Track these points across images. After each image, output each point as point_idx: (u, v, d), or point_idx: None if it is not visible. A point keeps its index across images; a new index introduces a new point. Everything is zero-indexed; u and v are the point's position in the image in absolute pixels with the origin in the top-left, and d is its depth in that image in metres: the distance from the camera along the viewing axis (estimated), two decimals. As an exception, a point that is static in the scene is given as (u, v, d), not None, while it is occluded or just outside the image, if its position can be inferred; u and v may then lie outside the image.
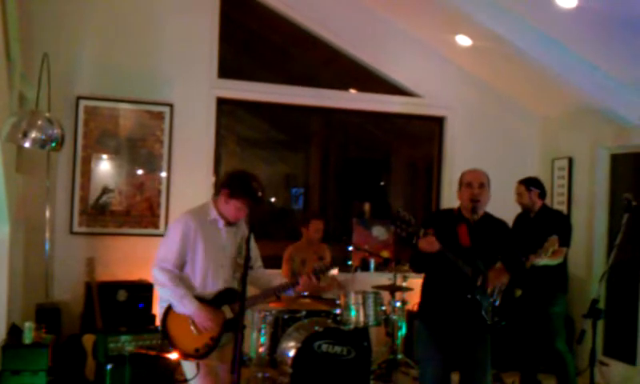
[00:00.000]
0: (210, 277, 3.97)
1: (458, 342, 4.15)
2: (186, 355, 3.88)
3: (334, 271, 4.37)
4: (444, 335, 4.15)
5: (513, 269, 4.20)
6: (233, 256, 4.05)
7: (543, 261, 5.34)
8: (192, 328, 3.87)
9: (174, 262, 3.91)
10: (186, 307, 3.85)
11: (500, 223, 4.32)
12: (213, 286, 3.97)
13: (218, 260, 4.00)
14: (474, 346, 4.17)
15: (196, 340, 3.88)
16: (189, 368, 3.94)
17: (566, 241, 5.57)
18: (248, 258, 3.66)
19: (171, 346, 3.88)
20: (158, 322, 5.78)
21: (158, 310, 4.04)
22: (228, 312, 3.94)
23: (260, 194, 3.97)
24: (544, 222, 5.69)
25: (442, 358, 4.14)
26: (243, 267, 3.66)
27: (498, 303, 4.13)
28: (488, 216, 4.27)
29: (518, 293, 5.47)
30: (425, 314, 4.31)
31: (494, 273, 4.09)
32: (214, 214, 4.03)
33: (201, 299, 3.89)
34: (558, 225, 5.62)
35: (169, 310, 3.90)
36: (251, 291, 4.17)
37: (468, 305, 4.05)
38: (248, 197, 3.93)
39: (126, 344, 5.04)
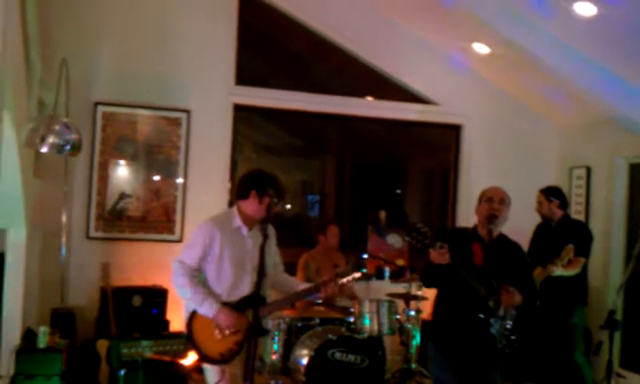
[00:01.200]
0: (236, 284, 3.97)
1: (471, 363, 4.10)
2: (211, 360, 3.89)
3: (357, 274, 4.33)
4: (457, 356, 4.10)
5: (526, 293, 4.14)
6: (257, 262, 4.03)
7: (559, 271, 5.30)
8: (216, 332, 3.87)
9: (193, 264, 3.92)
10: (207, 309, 3.85)
11: (515, 246, 4.26)
12: (239, 294, 3.96)
13: (243, 267, 4.00)
14: (486, 367, 4.11)
15: (220, 344, 3.88)
16: (211, 374, 3.95)
17: (585, 251, 5.52)
18: (263, 263, 3.64)
19: (196, 351, 3.91)
20: (173, 328, 5.84)
21: (183, 314, 4.03)
22: (252, 317, 3.91)
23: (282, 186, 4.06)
24: (565, 232, 5.64)
25: (456, 379, 4.10)
26: (257, 273, 3.65)
27: (509, 325, 4.06)
28: (503, 237, 4.21)
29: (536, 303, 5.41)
30: (437, 333, 4.26)
31: (507, 294, 4.02)
32: (238, 221, 4.03)
33: (225, 303, 3.90)
34: (579, 235, 5.58)
35: (194, 314, 3.91)
36: (274, 296, 4.19)
37: (480, 325, 4.01)
38: (277, 190, 3.96)
39: (140, 349, 5.05)
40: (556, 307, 5.52)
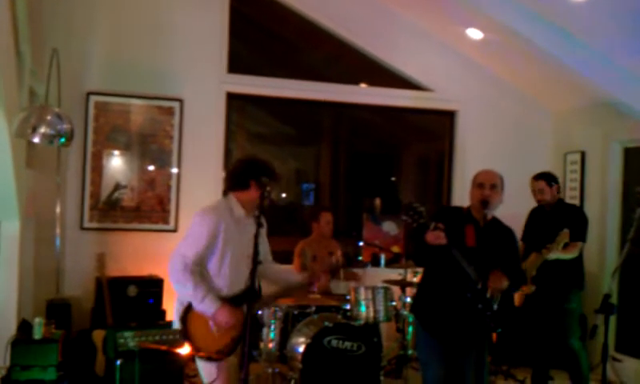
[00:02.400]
0: (235, 278, 3.88)
1: (457, 342, 4.12)
2: (208, 357, 3.78)
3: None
4: (443, 336, 4.12)
5: (513, 278, 4.16)
6: (250, 252, 3.95)
7: (555, 255, 5.31)
8: (213, 328, 3.78)
9: (196, 257, 3.77)
10: (208, 307, 3.73)
11: (507, 230, 4.27)
12: (238, 285, 3.87)
13: (242, 259, 3.88)
14: (473, 347, 4.13)
15: (218, 341, 3.80)
16: (206, 370, 3.85)
17: (581, 235, 5.52)
18: (256, 252, 3.58)
19: (192, 346, 3.77)
20: (169, 318, 5.83)
21: (175, 307, 3.93)
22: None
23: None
24: (560, 216, 5.63)
25: (444, 359, 4.11)
26: (252, 262, 3.58)
27: (495, 307, 4.07)
28: (496, 221, 4.23)
29: (532, 288, 5.44)
30: (423, 312, 4.27)
31: (494, 276, 4.02)
32: (240, 210, 3.94)
33: (222, 299, 3.80)
34: (575, 219, 5.58)
35: (189, 309, 3.78)
36: (265, 286, 4.16)
37: (467, 305, 4.02)
38: (273, 176, 3.89)
39: (136, 339, 5.03)
40: (552, 292, 5.52)
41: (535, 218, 5.88)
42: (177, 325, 3.92)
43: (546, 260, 5.35)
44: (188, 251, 3.77)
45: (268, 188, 3.80)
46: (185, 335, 3.79)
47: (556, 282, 5.49)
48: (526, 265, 5.39)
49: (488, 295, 4.03)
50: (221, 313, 3.74)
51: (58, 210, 6.12)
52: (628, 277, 6.41)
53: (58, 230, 6.13)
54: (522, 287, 5.00)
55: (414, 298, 4.41)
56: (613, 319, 6.41)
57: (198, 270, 3.79)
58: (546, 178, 5.73)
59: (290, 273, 4.31)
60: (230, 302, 3.83)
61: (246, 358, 3.43)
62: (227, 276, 3.87)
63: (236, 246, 3.88)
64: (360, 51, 7.28)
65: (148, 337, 5.03)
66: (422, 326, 4.24)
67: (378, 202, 7.94)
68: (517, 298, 5.47)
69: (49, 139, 4.89)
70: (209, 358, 3.79)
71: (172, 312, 4.16)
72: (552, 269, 5.37)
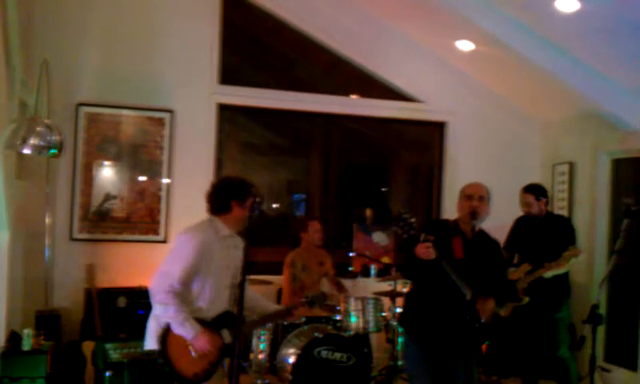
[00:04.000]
0: (216, 299, 3.88)
1: (445, 355, 4.13)
2: (184, 380, 3.75)
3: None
4: (431, 348, 4.13)
5: (500, 291, 4.19)
6: (233, 273, 3.96)
7: (552, 272, 5.31)
8: (191, 351, 3.76)
9: (182, 279, 3.75)
10: (187, 331, 3.71)
11: (494, 243, 4.32)
12: (217, 309, 3.87)
13: (222, 281, 3.91)
14: (461, 358, 4.14)
15: (195, 364, 3.77)
16: None
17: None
18: (244, 275, 3.54)
19: (169, 369, 3.75)
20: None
21: (150, 325, 3.91)
22: (227, 336, 3.85)
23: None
24: (549, 227, 5.65)
25: (431, 371, 4.12)
26: (240, 284, 3.54)
27: (483, 320, 4.08)
28: (483, 233, 4.27)
29: (526, 300, 5.37)
30: (411, 326, 4.28)
31: (481, 306, 4.03)
32: (226, 230, 3.93)
33: (201, 322, 3.78)
34: (566, 230, 5.63)
35: (168, 330, 3.76)
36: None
37: (455, 317, 4.04)
38: (252, 190, 3.92)
39: (125, 350, 5.03)
40: (542, 303, 5.53)
41: (522, 228, 5.88)
42: (150, 342, 3.91)
43: (542, 277, 5.35)
44: (175, 272, 3.75)
45: (258, 199, 3.79)
46: (163, 356, 3.76)
47: (545, 292, 5.51)
48: (518, 275, 5.40)
49: (483, 320, 4.04)
50: (200, 338, 3.73)
51: (47, 220, 6.11)
52: (617, 287, 6.44)
53: (47, 241, 6.12)
54: (513, 302, 4.99)
55: (402, 309, 4.42)
56: (601, 329, 6.48)
57: (181, 291, 3.77)
58: (535, 191, 5.74)
59: (266, 302, 4.30)
60: (209, 325, 3.81)
61: (234, 371, 3.43)
62: (208, 296, 3.86)
63: (219, 266, 3.89)
64: (351, 63, 7.32)
65: (137, 348, 5.03)
66: (410, 338, 4.25)
67: (368, 212, 7.96)
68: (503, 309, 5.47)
69: (39, 150, 4.91)
70: (186, 381, 3.76)
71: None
72: (542, 280, 5.39)
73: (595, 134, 6.76)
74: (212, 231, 3.91)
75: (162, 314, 3.79)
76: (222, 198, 3.95)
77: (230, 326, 3.85)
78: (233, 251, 3.96)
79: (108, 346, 5.04)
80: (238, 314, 3.52)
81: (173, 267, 3.77)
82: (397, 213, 3.98)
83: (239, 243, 4.01)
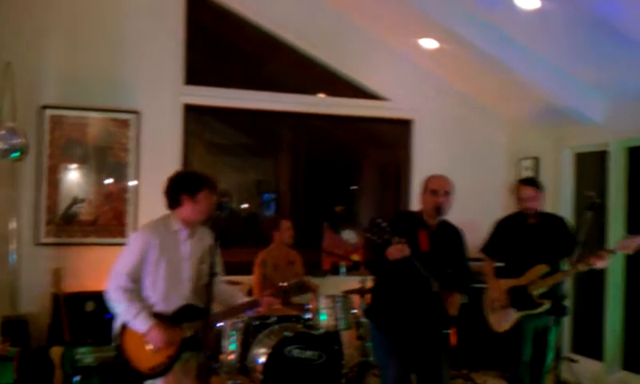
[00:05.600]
0: (171, 293, 3.87)
1: (415, 345, 4.20)
2: (141, 375, 3.77)
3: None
4: (400, 338, 4.19)
5: (463, 279, 4.29)
6: (196, 267, 3.96)
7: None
8: (148, 345, 3.76)
9: (129, 275, 3.80)
10: (140, 325, 3.74)
11: (456, 232, 4.40)
12: (174, 303, 3.87)
13: (180, 275, 3.91)
14: (430, 348, 4.20)
15: (152, 358, 3.77)
16: None
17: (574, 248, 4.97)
18: (213, 269, 3.63)
19: (127, 363, 3.78)
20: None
21: (115, 326, 3.91)
22: (187, 330, 3.84)
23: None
24: (548, 228, 5.10)
25: (401, 361, 4.20)
26: (209, 278, 3.61)
27: (449, 313, 4.15)
28: (445, 223, 4.35)
29: (546, 306, 4.81)
30: (379, 317, 4.34)
31: (449, 304, 4.10)
32: (177, 225, 3.94)
33: (159, 316, 3.79)
34: (565, 231, 5.13)
35: (125, 326, 3.80)
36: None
37: (422, 307, 4.10)
38: (206, 184, 3.91)
39: (94, 355, 5.00)
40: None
41: (514, 229, 5.20)
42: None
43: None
44: (121, 269, 3.83)
45: (225, 199, 3.82)
46: (120, 351, 3.80)
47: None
48: (532, 278, 4.86)
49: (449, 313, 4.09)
50: (153, 332, 3.74)
51: (13, 225, 6.02)
52: (582, 279, 6.54)
53: (13, 246, 6.04)
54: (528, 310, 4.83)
55: (368, 302, 4.46)
56: (568, 321, 6.59)
57: (133, 288, 3.81)
58: (536, 183, 5.17)
59: (236, 293, 4.28)
60: (169, 320, 3.81)
61: (204, 366, 3.43)
62: (162, 290, 3.86)
63: (172, 261, 3.89)
64: (317, 62, 7.32)
65: (106, 352, 5.00)
66: (378, 329, 4.30)
67: (340, 209, 7.99)
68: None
69: (2, 154, 4.85)
70: (142, 376, 3.78)
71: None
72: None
73: (558, 129, 6.87)
74: (163, 226, 3.94)
75: (115, 311, 3.85)
76: (172, 192, 3.97)
77: (191, 319, 3.84)
78: (196, 243, 3.97)
79: (76, 350, 4.99)
80: (206, 306, 3.55)
81: (119, 265, 3.85)
82: (369, 218, 4.00)
83: (205, 236, 4.01)
